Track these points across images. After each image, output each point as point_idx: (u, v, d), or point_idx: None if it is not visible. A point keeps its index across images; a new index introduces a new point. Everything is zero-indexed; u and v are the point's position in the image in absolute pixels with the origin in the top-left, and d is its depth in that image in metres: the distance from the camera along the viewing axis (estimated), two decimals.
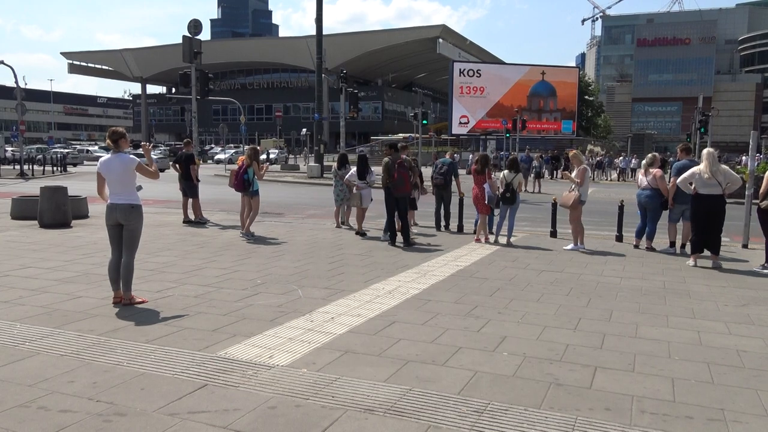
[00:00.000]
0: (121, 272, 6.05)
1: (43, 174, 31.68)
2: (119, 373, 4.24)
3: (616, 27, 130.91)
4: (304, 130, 51.45)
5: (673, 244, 10.15)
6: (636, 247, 10.35)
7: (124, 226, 6.06)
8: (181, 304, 6.18)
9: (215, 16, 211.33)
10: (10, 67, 31.55)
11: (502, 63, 70.84)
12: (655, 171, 10.09)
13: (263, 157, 12.50)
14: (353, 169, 11.45)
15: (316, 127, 33.49)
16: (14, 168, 33.53)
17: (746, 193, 11.07)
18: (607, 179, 39.62)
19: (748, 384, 4.28)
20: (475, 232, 11.03)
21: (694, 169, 8.79)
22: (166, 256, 8.90)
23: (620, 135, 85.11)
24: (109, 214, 6.08)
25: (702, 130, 30.70)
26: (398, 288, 7.06)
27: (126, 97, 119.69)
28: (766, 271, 8.48)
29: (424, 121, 32.69)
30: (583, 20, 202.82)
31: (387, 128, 77.39)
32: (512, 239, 10.70)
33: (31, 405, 3.71)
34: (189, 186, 12.76)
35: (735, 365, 4.67)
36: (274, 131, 64.84)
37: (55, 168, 34.68)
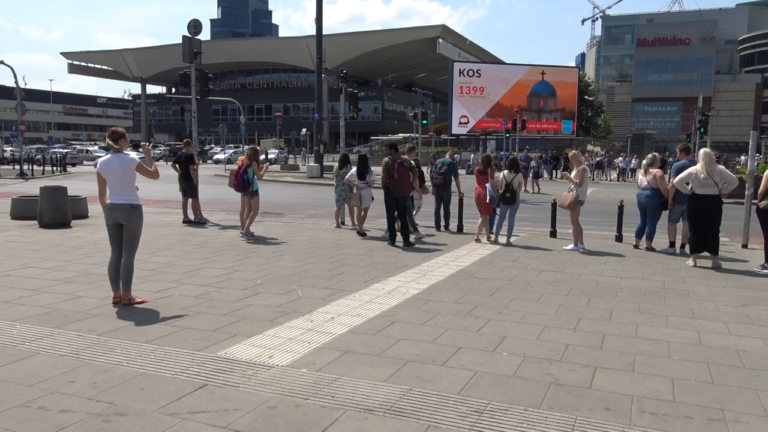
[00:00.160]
0: (121, 272, 6.06)
1: (43, 174, 31.69)
2: (119, 373, 4.24)
3: (616, 27, 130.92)
4: (304, 130, 51.47)
5: (672, 244, 10.15)
6: (636, 247, 10.35)
7: (124, 226, 6.06)
8: (181, 304, 6.18)
9: (215, 16, 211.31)
10: (10, 67, 31.56)
11: (502, 63, 70.86)
12: (655, 171, 10.09)
13: (262, 157, 12.47)
14: (353, 169, 11.47)
15: (316, 127, 33.49)
16: (14, 168, 33.54)
17: (746, 193, 11.07)
18: (606, 179, 39.62)
19: (748, 384, 4.28)
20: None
21: (691, 169, 8.79)
22: (166, 256, 8.90)
23: (620, 135, 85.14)
24: (109, 214, 6.07)
25: (702, 130, 30.69)
26: (398, 288, 7.06)
27: (126, 97, 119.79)
28: (765, 271, 8.48)
29: (424, 121, 32.70)
30: (583, 20, 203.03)
31: (387, 128, 77.39)
32: (512, 239, 10.71)
33: (31, 405, 3.71)
34: (189, 186, 12.77)
35: (735, 365, 4.67)
36: (274, 131, 64.85)
37: (54, 168, 34.70)
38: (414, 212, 11.80)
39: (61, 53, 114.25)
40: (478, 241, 10.72)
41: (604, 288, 7.32)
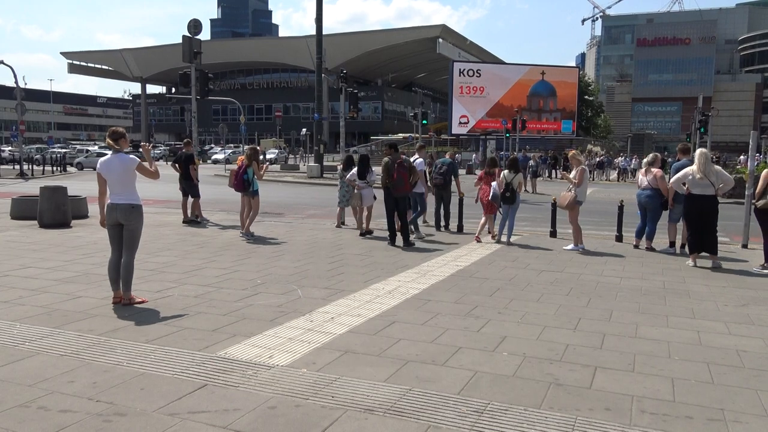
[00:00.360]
0: (121, 272, 6.05)
1: (43, 174, 31.69)
2: (119, 373, 4.24)
3: (616, 27, 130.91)
4: (304, 130, 51.43)
5: (672, 244, 10.15)
6: (636, 247, 10.35)
7: (125, 226, 6.06)
8: (181, 304, 6.18)
9: (215, 16, 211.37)
10: (10, 67, 31.56)
11: (502, 63, 70.84)
12: (656, 171, 10.10)
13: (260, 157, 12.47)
14: (354, 169, 11.49)
15: (316, 127, 33.49)
16: (14, 168, 33.53)
17: (746, 193, 11.07)
18: (606, 179, 39.62)
19: (748, 384, 4.28)
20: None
21: (687, 169, 8.81)
22: (166, 256, 8.90)
23: (620, 135, 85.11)
24: (109, 214, 6.07)
25: (702, 130, 30.70)
26: (398, 288, 7.06)
27: (126, 97, 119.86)
28: (765, 271, 8.48)
29: (424, 121, 32.75)
30: (583, 20, 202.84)
31: (387, 128, 77.41)
32: (512, 239, 10.72)
33: (31, 405, 3.71)
34: (189, 186, 12.79)
35: (735, 365, 4.67)
36: (274, 131, 64.84)
37: (54, 168, 34.70)
38: (422, 214, 11.89)
39: (61, 53, 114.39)
40: (478, 240, 10.72)
41: (604, 288, 7.32)
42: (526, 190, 24.54)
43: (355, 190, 11.51)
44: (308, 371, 4.33)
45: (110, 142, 6.13)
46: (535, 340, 5.18)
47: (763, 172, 8.65)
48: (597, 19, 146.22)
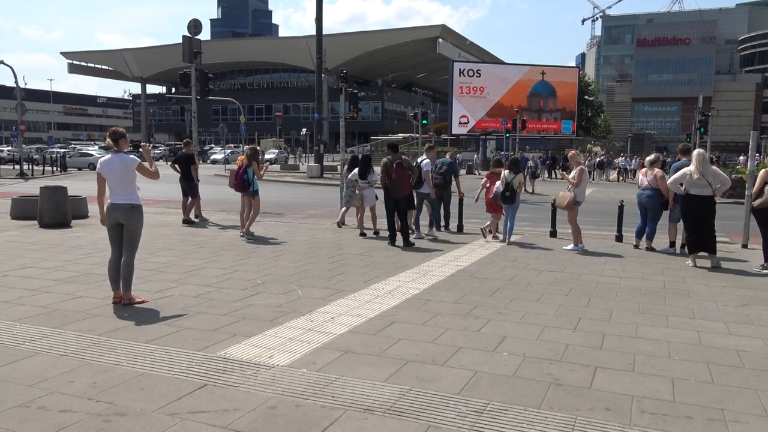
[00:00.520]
0: (121, 272, 6.05)
1: (43, 174, 31.70)
2: (119, 373, 4.24)
3: (616, 27, 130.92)
4: (304, 130, 51.48)
5: (673, 243, 10.16)
6: (636, 247, 10.35)
7: (125, 226, 6.06)
8: (181, 304, 6.18)
9: (215, 16, 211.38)
10: (10, 67, 31.59)
11: (502, 63, 70.87)
12: (657, 171, 10.11)
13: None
14: (355, 169, 11.51)
15: (316, 127, 33.50)
16: (14, 168, 33.54)
17: (746, 193, 11.06)
18: (606, 179, 39.61)
19: (748, 384, 4.28)
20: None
21: (685, 169, 8.81)
22: (166, 256, 8.90)
23: (620, 135, 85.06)
24: (109, 214, 6.07)
25: (702, 130, 30.67)
26: (398, 288, 7.06)
27: (126, 97, 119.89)
28: (765, 271, 8.48)
29: (424, 121, 32.73)
30: (583, 20, 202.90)
31: (387, 128, 77.43)
32: (512, 239, 10.72)
33: (31, 405, 3.71)
34: (189, 186, 12.80)
35: (735, 365, 4.67)
36: (274, 131, 64.88)
37: (54, 168, 34.69)
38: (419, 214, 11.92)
39: (61, 53, 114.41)
40: (495, 238, 10.95)
41: (604, 288, 7.32)
42: (525, 191, 24.55)
43: (356, 190, 11.53)
44: (308, 371, 4.33)
45: (110, 141, 6.14)
46: (535, 340, 5.18)
47: (761, 172, 8.66)
48: (597, 19, 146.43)
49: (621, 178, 38.95)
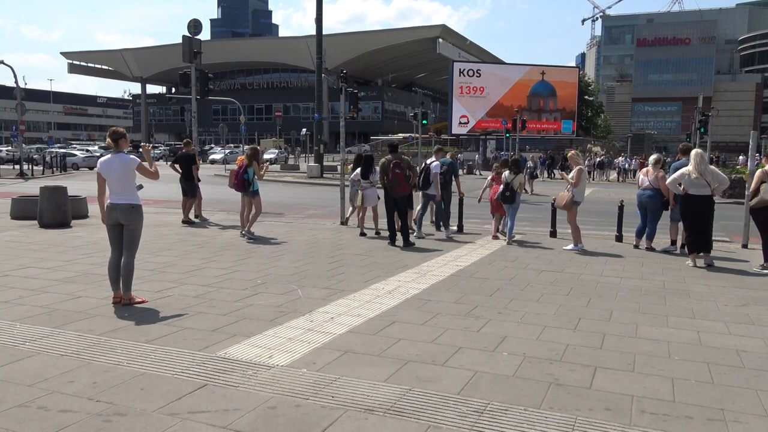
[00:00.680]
0: (121, 272, 6.06)
1: (43, 174, 31.70)
2: (119, 373, 4.24)
3: (616, 27, 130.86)
4: (304, 130, 51.46)
5: (674, 242, 10.16)
6: (636, 247, 10.35)
7: (125, 226, 6.07)
8: (181, 304, 6.18)
9: (215, 16, 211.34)
10: (10, 67, 31.58)
11: (502, 63, 70.83)
12: (657, 171, 10.11)
13: None
14: (357, 169, 11.52)
15: (316, 127, 33.50)
16: (14, 168, 33.53)
17: (746, 193, 11.06)
18: (606, 179, 39.62)
19: (748, 384, 4.28)
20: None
21: (683, 169, 8.82)
22: (166, 256, 8.90)
23: (620, 135, 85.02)
24: (109, 214, 6.07)
25: (702, 130, 30.64)
26: (398, 288, 7.06)
27: (126, 97, 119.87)
28: (765, 271, 8.48)
29: (424, 121, 32.63)
30: (583, 20, 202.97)
31: (387, 128, 77.45)
32: (512, 239, 10.73)
33: (31, 405, 3.71)
34: (190, 186, 12.80)
35: (735, 365, 4.67)
36: (274, 131, 64.89)
37: (54, 168, 34.68)
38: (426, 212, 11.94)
39: (61, 53, 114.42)
40: (496, 238, 10.96)
41: (604, 288, 7.32)
42: (525, 191, 24.56)
43: (359, 191, 11.55)
44: (308, 371, 4.33)
45: (110, 141, 6.14)
46: (535, 340, 5.18)
47: (757, 172, 8.67)
48: (597, 19, 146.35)
49: (621, 178, 38.96)
